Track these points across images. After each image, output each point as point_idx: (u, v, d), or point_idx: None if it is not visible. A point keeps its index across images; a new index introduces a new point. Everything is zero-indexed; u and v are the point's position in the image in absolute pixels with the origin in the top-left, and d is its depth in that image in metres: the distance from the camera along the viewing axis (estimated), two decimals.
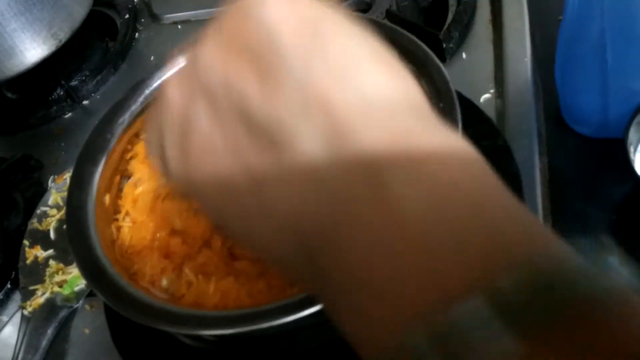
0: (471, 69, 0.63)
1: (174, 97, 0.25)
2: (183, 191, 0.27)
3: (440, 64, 0.44)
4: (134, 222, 0.47)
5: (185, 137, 0.24)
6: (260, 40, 0.22)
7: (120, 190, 0.50)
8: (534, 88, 0.60)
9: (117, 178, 0.50)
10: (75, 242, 0.42)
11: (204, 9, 0.80)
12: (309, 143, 0.21)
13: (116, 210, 0.49)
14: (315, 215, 0.21)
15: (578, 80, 0.63)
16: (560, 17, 0.64)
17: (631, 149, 0.51)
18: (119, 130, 0.50)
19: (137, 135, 0.52)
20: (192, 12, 0.81)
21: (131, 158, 0.52)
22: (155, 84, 0.53)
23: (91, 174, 0.47)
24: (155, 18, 0.83)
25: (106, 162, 0.48)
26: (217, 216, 0.25)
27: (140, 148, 0.52)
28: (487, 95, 0.60)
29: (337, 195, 0.20)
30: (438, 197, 0.19)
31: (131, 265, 0.44)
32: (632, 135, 0.52)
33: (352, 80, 0.21)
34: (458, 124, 0.39)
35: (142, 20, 0.84)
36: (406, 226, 0.18)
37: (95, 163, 0.48)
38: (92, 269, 0.40)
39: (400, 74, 0.23)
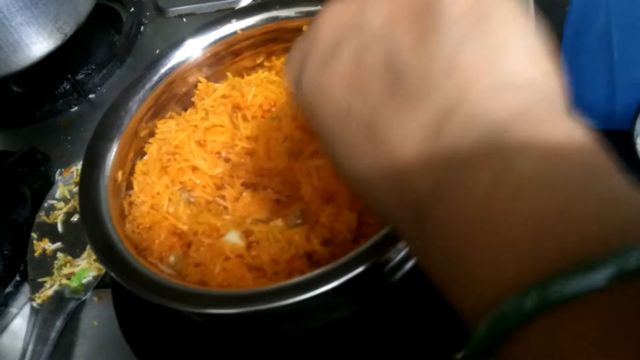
0: None
1: (330, 25, 0.26)
2: (304, 107, 0.27)
3: None
4: (143, 187, 0.48)
5: (326, 63, 0.25)
6: (431, 7, 0.23)
7: (133, 167, 0.50)
8: None
9: (131, 155, 0.50)
10: (86, 217, 0.43)
11: (209, 2, 0.80)
12: (438, 106, 0.21)
13: (128, 186, 0.49)
14: (430, 169, 0.21)
15: (583, 72, 0.63)
16: (567, 8, 0.64)
17: (637, 140, 0.51)
18: (133, 107, 0.51)
19: (153, 113, 0.53)
20: (197, 5, 0.81)
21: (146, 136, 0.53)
22: (170, 64, 0.54)
23: (105, 150, 0.48)
24: (160, 11, 0.83)
25: (120, 139, 0.49)
26: (327, 139, 0.26)
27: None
28: None
29: (454, 158, 0.21)
30: (557, 175, 0.19)
31: (141, 242, 0.44)
32: (639, 126, 0.52)
33: (498, 67, 0.22)
34: None
35: (147, 13, 0.84)
36: (522, 187, 0.19)
37: (109, 140, 0.49)
38: (102, 244, 0.41)
39: (548, 69, 0.23)
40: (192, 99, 0.56)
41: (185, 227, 0.46)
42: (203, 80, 0.56)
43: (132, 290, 0.38)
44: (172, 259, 0.45)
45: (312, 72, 0.26)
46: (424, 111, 0.22)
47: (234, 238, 0.42)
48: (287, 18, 0.55)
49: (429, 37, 0.22)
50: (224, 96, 0.54)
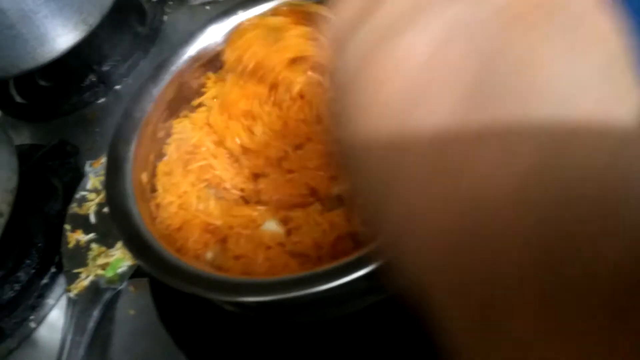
0: None
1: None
2: (339, 88, 0.19)
3: None
4: (168, 187, 0.48)
5: (393, 34, 0.17)
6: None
7: (154, 168, 0.50)
8: None
9: (152, 157, 0.50)
10: (118, 220, 0.43)
11: None
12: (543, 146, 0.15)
13: (153, 188, 0.49)
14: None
15: None
16: None
17: None
18: (148, 108, 0.50)
19: (168, 114, 0.53)
20: None
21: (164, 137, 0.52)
22: (180, 61, 0.53)
23: (126, 153, 0.48)
24: (183, 0, 0.83)
25: (138, 142, 0.49)
26: (362, 147, 0.18)
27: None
28: None
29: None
30: None
31: (174, 242, 0.44)
32: None
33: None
34: None
35: (170, 3, 0.84)
36: None
37: (128, 143, 0.48)
38: (138, 244, 0.41)
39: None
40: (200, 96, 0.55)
41: (218, 222, 0.45)
42: (212, 75, 0.56)
43: (174, 287, 0.38)
44: (209, 255, 0.45)
45: (368, 40, 0.18)
46: (525, 146, 0.15)
47: (272, 226, 0.42)
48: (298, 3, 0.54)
49: (542, 44, 0.15)
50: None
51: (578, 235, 0.14)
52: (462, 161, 0.15)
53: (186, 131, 0.52)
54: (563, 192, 0.14)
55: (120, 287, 0.56)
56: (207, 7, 0.80)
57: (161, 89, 0.53)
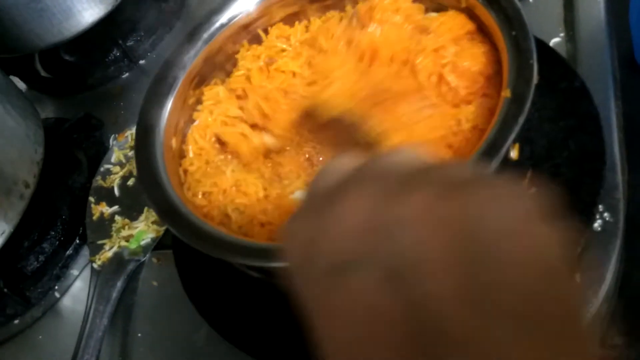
0: (539, 13, 0.60)
1: (348, 224, 0.21)
2: (305, 309, 0.23)
3: None
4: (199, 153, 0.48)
5: (339, 274, 0.21)
6: (478, 246, 0.19)
7: (184, 135, 0.50)
8: (607, 30, 0.56)
9: (182, 123, 0.50)
10: (146, 184, 0.43)
11: None
12: None
13: (182, 154, 0.49)
14: None
15: None
16: None
17: None
18: (180, 75, 0.50)
19: (198, 81, 0.53)
20: None
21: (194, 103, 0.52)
22: (212, 29, 0.53)
23: (157, 118, 0.48)
24: None
25: (171, 107, 0.49)
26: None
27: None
28: (556, 39, 0.57)
29: None
30: None
31: (201, 208, 0.44)
32: None
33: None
34: (533, 52, 0.37)
35: None
36: None
37: (160, 107, 0.48)
38: (165, 207, 0.41)
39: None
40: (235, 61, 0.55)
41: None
42: (245, 44, 0.55)
43: (202, 250, 0.38)
44: (235, 220, 0.45)
45: (319, 275, 0.22)
46: None
47: (301, 196, 0.42)
48: None
49: (464, 289, 0.18)
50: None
51: None
52: None
53: (217, 98, 0.52)
54: None
55: (143, 259, 0.56)
56: None
57: (192, 56, 0.53)
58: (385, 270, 0.20)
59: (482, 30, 0.46)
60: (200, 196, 0.45)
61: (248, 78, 0.52)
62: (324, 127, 0.48)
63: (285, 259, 0.24)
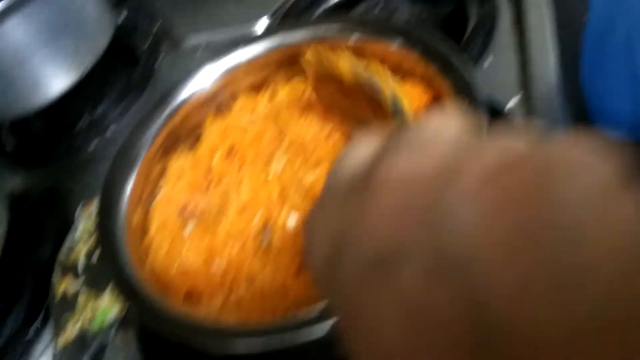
0: (496, 76, 0.62)
1: (383, 214, 0.18)
2: (345, 335, 0.19)
3: (463, 60, 0.44)
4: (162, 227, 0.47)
5: (377, 272, 0.17)
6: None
7: (147, 209, 0.50)
8: (561, 91, 0.58)
9: (145, 196, 0.50)
10: (109, 261, 0.43)
11: (224, 28, 0.80)
12: None
13: (145, 229, 0.49)
14: None
15: (606, 82, 0.62)
16: (585, 19, 0.62)
17: None
18: (143, 148, 0.51)
19: (163, 153, 0.53)
20: (213, 34, 0.81)
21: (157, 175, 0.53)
22: (177, 100, 0.54)
23: (119, 194, 0.48)
24: (175, 43, 0.83)
25: (132, 181, 0.49)
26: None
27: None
28: (513, 100, 0.59)
29: None
30: None
31: (164, 283, 0.44)
32: None
33: None
34: (484, 122, 0.39)
35: (163, 47, 0.84)
36: None
37: (122, 182, 0.49)
38: (126, 286, 0.40)
39: None
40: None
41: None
42: (210, 115, 0.56)
43: (159, 332, 0.37)
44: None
45: (352, 277, 0.18)
46: None
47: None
48: (294, 42, 0.55)
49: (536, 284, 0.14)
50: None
51: None
52: None
53: (182, 170, 0.53)
54: None
55: (107, 338, 0.54)
56: (199, 52, 0.81)
57: (156, 127, 0.53)
58: (438, 261, 0.16)
59: (438, 99, 0.48)
60: (162, 272, 0.45)
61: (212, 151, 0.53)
62: (341, 95, 0.48)
63: (308, 263, 0.20)
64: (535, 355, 0.14)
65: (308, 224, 0.21)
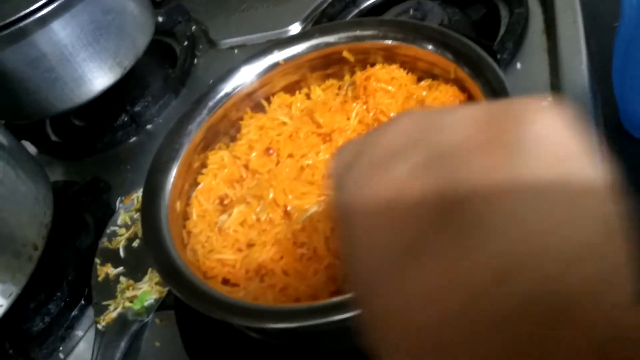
0: (527, 79, 0.63)
1: (394, 134, 0.22)
2: (341, 216, 0.23)
3: (495, 65, 0.44)
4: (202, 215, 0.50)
5: (378, 167, 0.22)
6: (512, 136, 0.20)
7: (189, 197, 0.52)
8: (592, 95, 0.59)
9: (186, 186, 0.52)
10: (151, 245, 0.45)
11: (259, 33, 0.83)
12: (498, 255, 0.18)
13: (185, 216, 0.51)
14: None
15: (637, 86, 0.62)
16: (616, 24, 0.63)
17: None
18: (186, 141, 0.53)
19: (203, 146, 0.55)
20: (247, 37, 0.84)
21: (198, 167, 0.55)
22: (216, 97, 0.56)
23: (162, 182, 0.50)
24: (212, 44, 0.86)
25: (176, 172, 0.51)
26: (356, 253, 0.22)
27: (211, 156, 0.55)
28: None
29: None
30: None
31: (204, 268, 0.46)
32: None
33: (568, 235, 0.18)
34: None
35: (200, 46, 0.87)
36: None
37: (166, 172, 0.51)
38: (168, 269, 0.42)
39: (618, 239, 0.19)
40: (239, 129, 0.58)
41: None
42: (248, 111, 0.58)
43: (201, 311, 0.39)
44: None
45: (360, 174, 0.22)
46: (480, 255, 0.18)
47: None
48: (329, 45, 0.57)
49: (501, 171, 0.19)
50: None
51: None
52: (429, 261, 0.19)
53: (222, 162, 0.55)
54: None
55: (146, 320, 0.57)
56: (236, 51, 0.84)
57: (197, 123, 0.56)
58: (427, 155, 0.21)
59: (472, 101, 0.49)
60: (204, 256, 0.47)
61: (250, 147, 0.55)
62: None
63: (330, 181, 0.24)
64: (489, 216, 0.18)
65: (338, 149, 0.26)
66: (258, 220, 0.49)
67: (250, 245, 0.48)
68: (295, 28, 0.81)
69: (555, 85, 0.61)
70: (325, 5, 0.82)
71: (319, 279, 0.43)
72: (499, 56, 0.63)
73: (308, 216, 0.47)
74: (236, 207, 0.49)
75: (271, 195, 0.48)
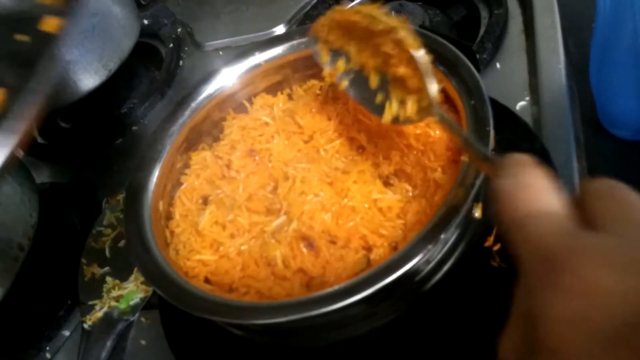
0: (506, 78, 0.64)
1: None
2: None
3: (470, 64, 0.45)
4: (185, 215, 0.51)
5: None
6: None
7: (172, 198, 0.53)
8: (569, 94, 0.60)
9: (169, 186, 0.53)
10: (134, 246, 0.45)
11: (243, 34, 0.84)
12: None
13: (169, 216, 0.52)
14: None
15: (614, 84, 0.64)
16: (593, 24, 0.65)
17: None
18: (168, 142, 0.53)
19: (186, 147, 0.56)
20: (233, 39, 0.85)
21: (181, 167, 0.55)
22: (199, 98, 0.57)
23: (145, 182, 0.51)
24: (197, 46, 0.87)
25: (159, 172, 0.52)
26: None
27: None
28: (522, 103, 0.61)
29: None
30: None
31: (186, 267, 0.47)
32: None
33: None
34: (489, 120, 0.41)
35: (186, 48, 0.88)
36: None
37: (149, 172, 0.51)
38: (151, 269, 0.43)
39: None
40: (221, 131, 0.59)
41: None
42: (231, 112, 0.59)
43: (183, 309, 0.40)
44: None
45: None
46: None
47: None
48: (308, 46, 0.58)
49: None
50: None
51: None
52: None
53: (204, 162, 0.56)
54: None
55: (132, 319, 0.58)
56: (221, 53, 0.85)
57: (180, 124, 0.56)
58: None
59: (448, 101, 0.50)
60: (185, 257, 0.48)
61: (233, 147, 0.55)
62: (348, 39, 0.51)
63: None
64: None
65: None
66: (231, 221, 0.49)
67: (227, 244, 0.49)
68: (279, 30, 0.82)
69: (534, 85, 0.62)
70: (309, 7, 0.83)
71: (292, 283, 0.44)
72: (478, 56, 0.64)
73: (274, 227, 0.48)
74: (208, 208, 0.50)
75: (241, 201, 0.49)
